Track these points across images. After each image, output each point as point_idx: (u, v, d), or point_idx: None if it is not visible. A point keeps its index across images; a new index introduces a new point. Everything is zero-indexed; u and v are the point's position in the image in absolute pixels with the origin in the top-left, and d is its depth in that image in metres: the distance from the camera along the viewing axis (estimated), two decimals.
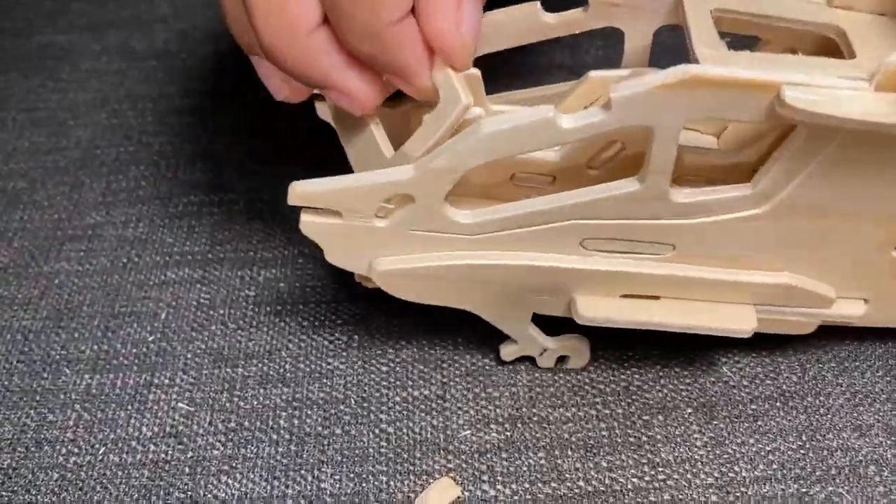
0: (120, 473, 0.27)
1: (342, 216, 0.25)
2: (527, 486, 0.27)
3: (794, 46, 0.24)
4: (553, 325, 0.28)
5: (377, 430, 0.28)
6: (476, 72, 0.25)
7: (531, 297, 0.27)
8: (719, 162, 0.27)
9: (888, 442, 0.27)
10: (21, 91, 0.42)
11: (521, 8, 0.28)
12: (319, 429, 0.28)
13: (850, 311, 0.28)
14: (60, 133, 0.40)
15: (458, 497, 0.26)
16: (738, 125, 0.28)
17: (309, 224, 0.25)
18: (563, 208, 0.24)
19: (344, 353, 0.31)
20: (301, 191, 0.25)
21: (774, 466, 0.27)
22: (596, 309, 0.26)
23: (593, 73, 0.27)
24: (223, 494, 0.27)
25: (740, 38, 0.26)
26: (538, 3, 0.28)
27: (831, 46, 0.25)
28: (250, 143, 0.39)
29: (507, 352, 0.29)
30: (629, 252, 0.26)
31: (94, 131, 0.40)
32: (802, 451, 0.27)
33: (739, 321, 0.26)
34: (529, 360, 0.30)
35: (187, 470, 0.27)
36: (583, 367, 0.29)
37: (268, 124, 0.39)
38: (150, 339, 0.31)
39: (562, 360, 0.29)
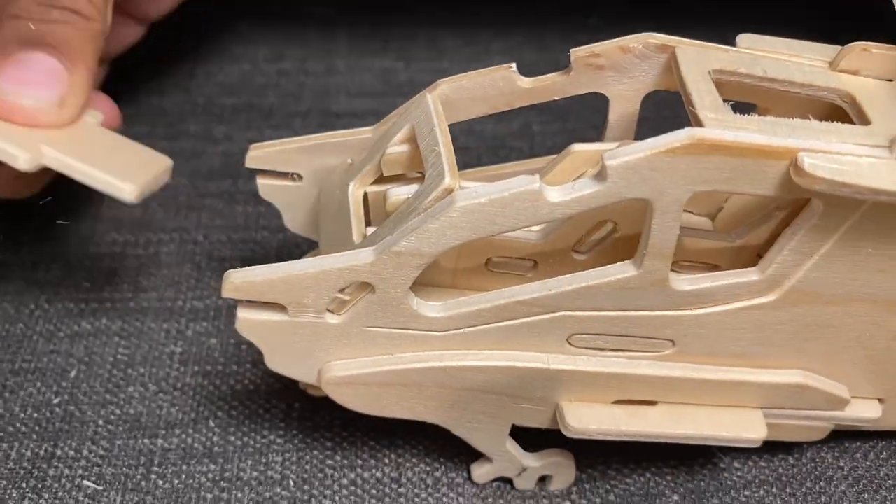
0: None
1: (288, 311, 0.21)
2: None
3: (796, 115, 0.22)
4: (527, 437, 0.25)
5: None
6: None
7: (509, 405, 0.23)
8: (720, 245, 0.24)
9: None
10: None
11: (493, 72, 0.25)
12: None
13: (864, 413, 0.25)
14: None
15: None
16: (736, 204, 0.25)
17: (248, 322, 0.22)
18: (547, 298, 0.21)
19: (282, 425, 0.27)
20: (239, 281, 0.21)
21: None
22: (587, 419, 0.23)
23: (577, 146, 0.24)
24: None
25: (736, 106, 0.23)
26: (513, 66, 0.25)
27: (838, 115, 0.23)
28: (185, 179, 0.35)
29: (481, 473, 0.25)
30: (623, 350, 0.23)
31: None
32: None
33: (747, 428, 0.23)
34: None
35: None
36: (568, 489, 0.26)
37: (204, 158, 0.36)
38: (56, 401, 0.27)
39: (542, 480, 0.26)
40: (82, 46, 0.26)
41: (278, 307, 0.21)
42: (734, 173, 0.19)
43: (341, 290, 0.21)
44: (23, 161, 0.24)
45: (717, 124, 0.20)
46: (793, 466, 0.26)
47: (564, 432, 0.23)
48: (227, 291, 0.21)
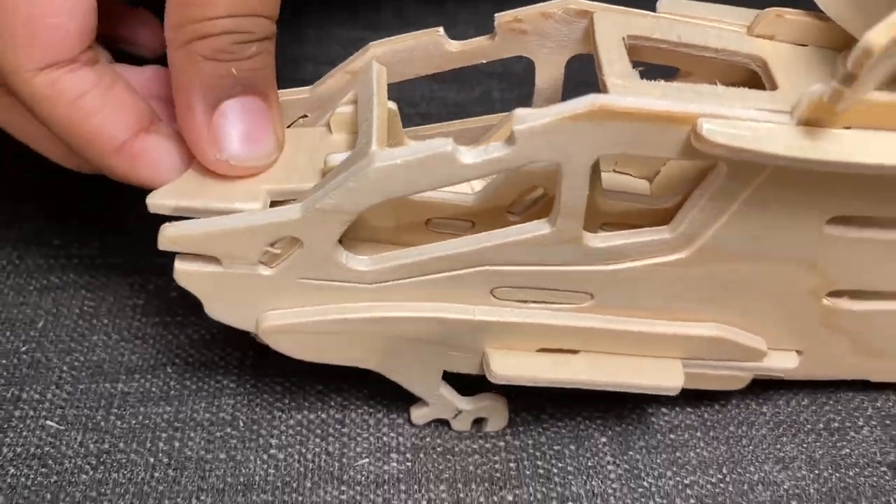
0: None
1: (222, 263, 0.23)
2: None
3: (715, 78, 0.23)
4: (467, 381, 0.26)
5: (265, 456, 0.26)
6: (392, 106, 0.24)
7: (439, 353, 0.25)
8: (644, 207, 0.25)
9: (811, 475, 0.26)
10: None
11: (421, 36, 0.25)
12: (202, 452, 0.26)
13: (782, 363, 0.26)
14: None
15: None
16: (670, 167, 0.26)
17: (184, 273, 0.23)
18: (469, 253, 0.22)
19: (235, 371, 0.28)
20: (173, 234, 0.22)
21: (692, 502, 0.25)
22: (510, 366, 0.24)
23: (520, 111, 0.25)
24: None
25: (657, 69, 0.24)
26: (441, 30, 0.25)
27: (755, 79, 0.24)
28: None
29: (418, 415, 0.27)
30: (545, 302, 0.24)
31: None
32: (722, 486, 0.26)
33: (665, 377, 0.25)
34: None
35: (49, 497, 0.25)
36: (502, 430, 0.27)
37: None
38: (24, 349, 0.29)
39: (478, 422, 0.27)
40: (272, 73, 0.23)
41: (213, 259, 0.22)
42: (637, 138, 0.20)
43: (272, 244, 0.22)
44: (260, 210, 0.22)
45: (622, 91, 0.21)
46: (717, 412, 0.28)
47: (489, 378, 0.24)
48: (163, 244, 0.22)
